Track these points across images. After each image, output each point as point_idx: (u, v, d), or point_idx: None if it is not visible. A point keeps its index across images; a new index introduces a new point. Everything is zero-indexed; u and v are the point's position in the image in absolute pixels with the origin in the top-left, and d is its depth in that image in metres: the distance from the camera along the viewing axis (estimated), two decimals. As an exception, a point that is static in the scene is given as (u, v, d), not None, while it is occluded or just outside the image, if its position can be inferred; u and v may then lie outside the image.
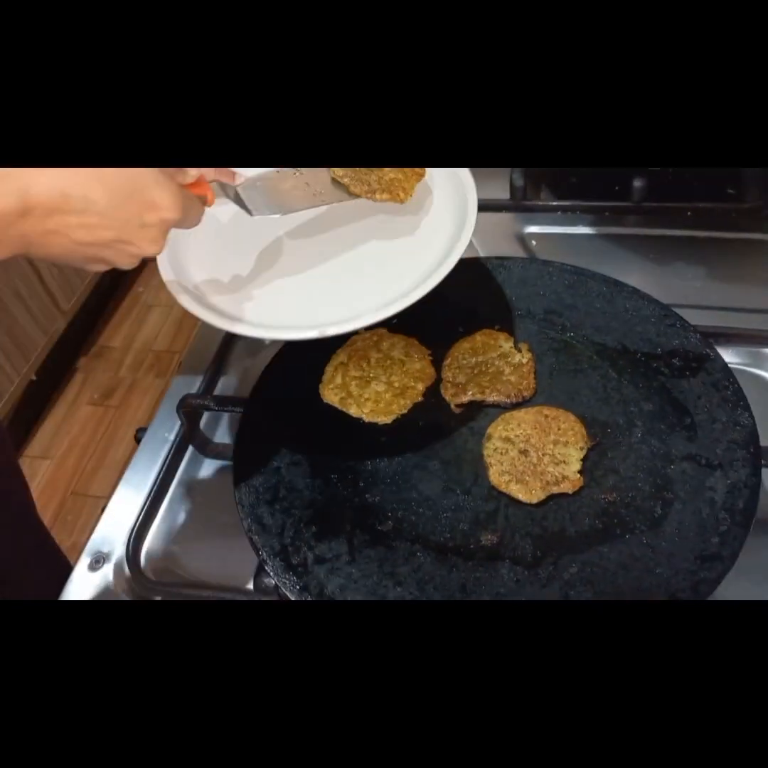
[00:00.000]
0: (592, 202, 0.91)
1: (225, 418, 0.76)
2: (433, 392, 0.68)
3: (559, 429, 0.62)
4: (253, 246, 0.68)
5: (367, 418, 0.66)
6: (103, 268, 0.52)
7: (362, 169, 0.66)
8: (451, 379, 0.68)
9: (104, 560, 0.66)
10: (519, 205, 0.90)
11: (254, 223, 0.63)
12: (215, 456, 0.73)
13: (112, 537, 0.67)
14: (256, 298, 0.63)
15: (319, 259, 0.67)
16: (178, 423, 0.73)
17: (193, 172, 0.56)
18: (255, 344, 0.80)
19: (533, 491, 0.59)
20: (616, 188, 0.90)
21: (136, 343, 2.07)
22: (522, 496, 0.59)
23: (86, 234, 0.47)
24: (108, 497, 0.70)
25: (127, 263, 0.51)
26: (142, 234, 0.50)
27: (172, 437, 0.73)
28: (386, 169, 0.66)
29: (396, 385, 0.68)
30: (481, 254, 0.82)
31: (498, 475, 0.61)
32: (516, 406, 0.66)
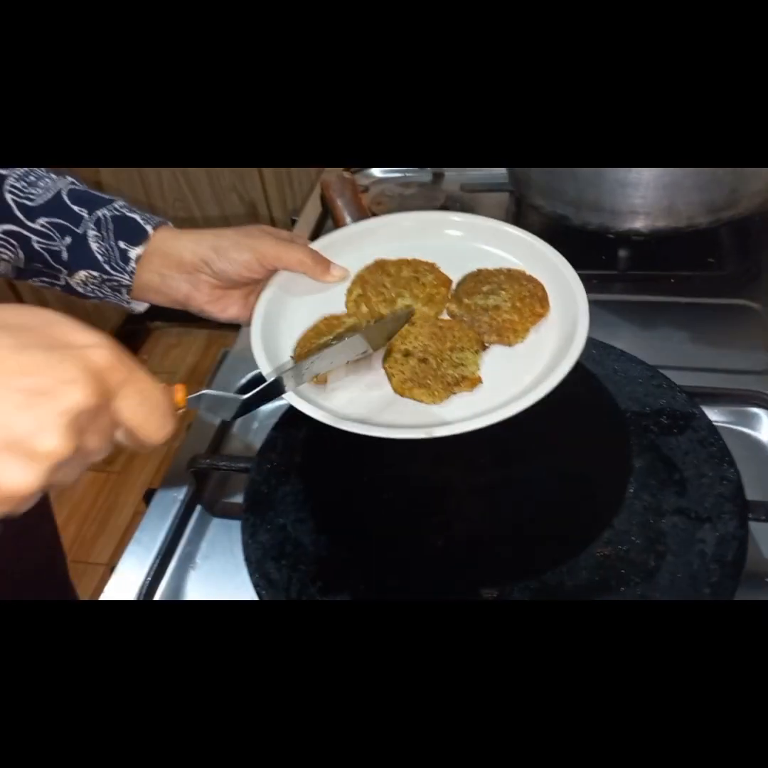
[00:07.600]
0: (580, 271, 0.95)
1: (233, 477, 0.78)
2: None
3: (454, 336, 0.64)
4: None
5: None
6: None
7: (478, 308, 0.65)
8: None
9: (114, 618, 0.67)
10: (511, 274, 0.95)
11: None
12: (223, 515, 0.75)
13: (122, 595, 0.69)
14: (358, 394, 0.61)
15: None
16: (187, 483, 0.76)
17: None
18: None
19: (436, 393, 0.60)
20: (603, 258, 0.95)
21: (138, 410, 2.10)
22: (425, 399, 0.60)
23: None
24: (109, 563, 0.72)
25: None
26: None
27: (181, 497, 0.75)
28: (502, 309, 0.64)
29: (421, 295, 0.67)
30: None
31: (400, 383, 0.61)
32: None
